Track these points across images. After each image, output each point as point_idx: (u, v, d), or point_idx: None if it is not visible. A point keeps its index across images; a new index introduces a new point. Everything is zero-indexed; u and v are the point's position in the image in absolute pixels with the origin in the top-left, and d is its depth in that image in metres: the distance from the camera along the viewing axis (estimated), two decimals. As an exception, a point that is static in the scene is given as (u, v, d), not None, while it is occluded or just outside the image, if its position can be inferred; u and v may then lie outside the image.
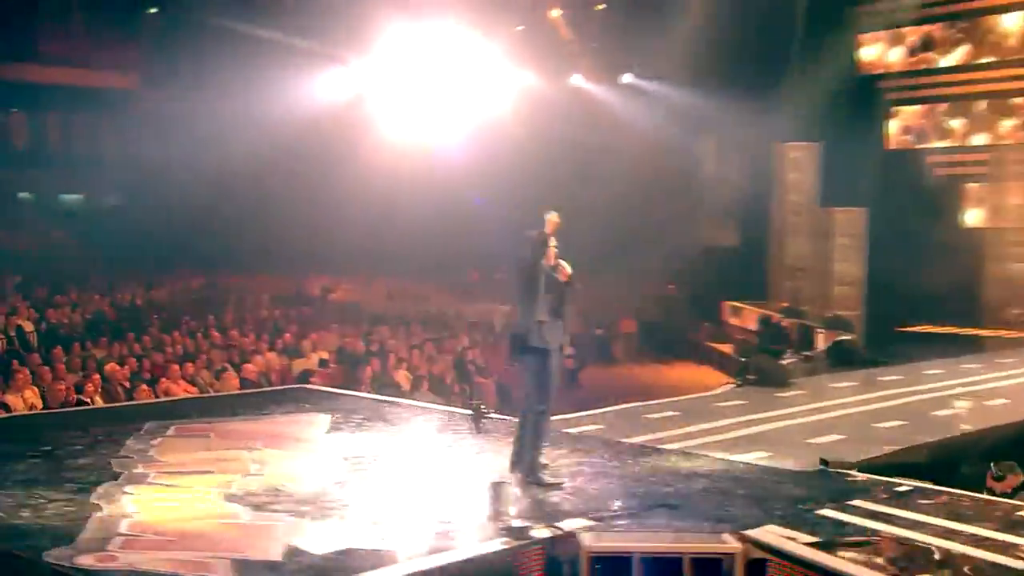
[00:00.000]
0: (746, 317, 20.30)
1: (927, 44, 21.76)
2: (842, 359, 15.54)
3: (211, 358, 13.71)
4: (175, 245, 23.49)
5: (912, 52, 22.08)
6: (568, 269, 6.21)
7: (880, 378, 14.02)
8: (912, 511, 6.57)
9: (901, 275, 19.35)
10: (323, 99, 22.16)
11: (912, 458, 9.15)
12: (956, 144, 21.51)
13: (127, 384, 12.39)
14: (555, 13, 23.91)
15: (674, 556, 5.18)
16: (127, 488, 6.41)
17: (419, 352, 15.33)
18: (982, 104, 21.07)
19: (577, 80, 24.60)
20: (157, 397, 12.30)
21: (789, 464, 8.10)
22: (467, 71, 21.84)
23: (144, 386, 12.36)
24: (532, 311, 6.28)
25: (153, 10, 24.50)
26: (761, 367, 13.08)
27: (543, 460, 6.61)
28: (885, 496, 7.00)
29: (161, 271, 22.49)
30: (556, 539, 5.37)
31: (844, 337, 16.38)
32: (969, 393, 12.52)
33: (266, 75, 21.68)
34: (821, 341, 16.41)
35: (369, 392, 12.25)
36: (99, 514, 5.67)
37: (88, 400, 11.56)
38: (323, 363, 14.56)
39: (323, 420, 9.18)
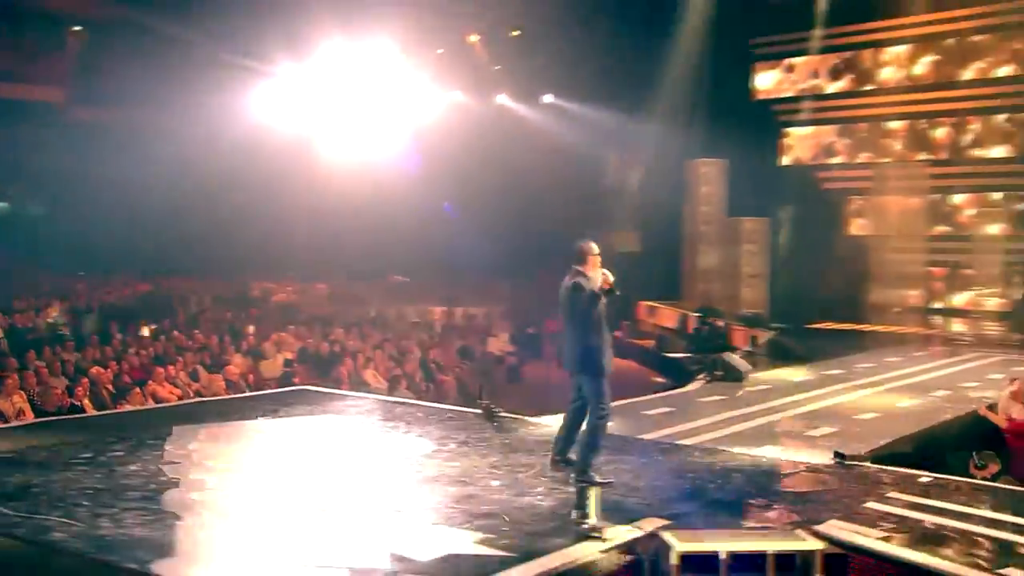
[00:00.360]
0: (664, 316, 21.67)
1: (815, 74, 23.77)
2: (779, 355, 16.54)
3: (186, 360, 13.75)
4: (111, 251, 23.51)
5: (802, 80, 24.08)
6: (611, 278, 6.55)
7: (824, 372, 14.65)
8: (949, 501, 6.74)
9: (799, 278, 21.27)
10: (255, 112, 22.36)
11: (903, 448, 9.40)
12: (843, 161, 23.49)
13: (111, 388, 12.22)
14: (473, 38, 25.28)
15: (758, 554, 5.21)
16: (193, 495, 6.25)
17: (381, 352, 15.72)
18: (864, 126, 23.11)
19: (503, 99, 25.72)
20: (146, 401, 12.03)
21: (803, 457, 8.30)
22: (397, 88, 22.63)
23: (137, 390, 12.23)
24: (587, 337, 6.64)
25: (77, 28, 24.29)
26: (727, 364, 13.76)
27: (598, 460, 6.78)
28: (914, 488, 7.19)
29: (99, 277, 22.47)
30: (641, 539, 5.45)
31: (777, 335, 17.81)
32: (912, 385, 13.38)
33: (196, 89, 21.78)
34: (757, 338, 17.64)
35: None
36: (182, 523, 5.58)
37: (78, 404, 11.35)
38: (288, 363, 14.84)
39: (348, 422, 9.24)
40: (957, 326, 20.03)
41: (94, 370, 12.51)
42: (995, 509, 6.53)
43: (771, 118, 24.49)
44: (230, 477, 6.92)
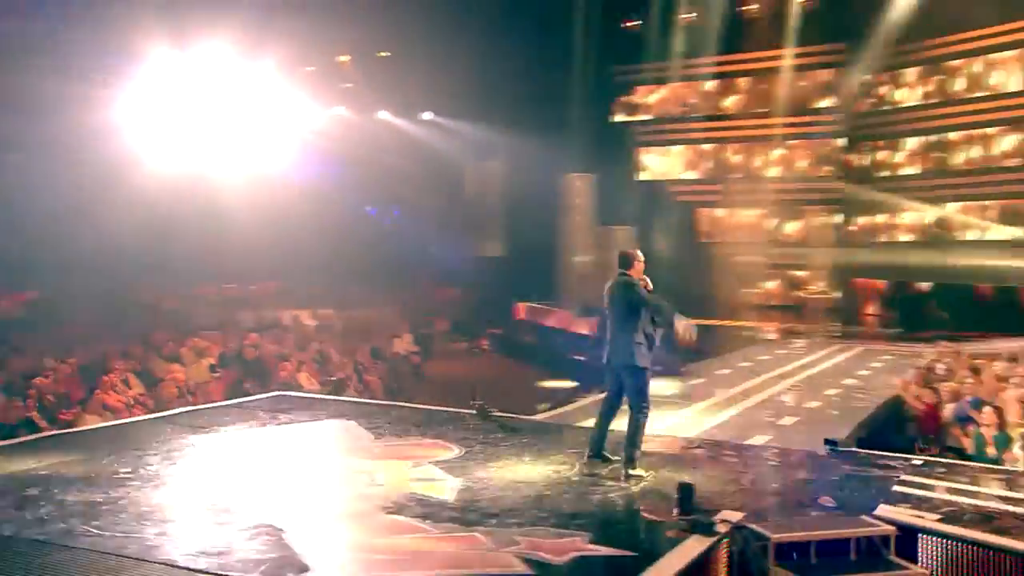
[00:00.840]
0: (558, 318, 23.08)
1: (667, 99, 26.73)
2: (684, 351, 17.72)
3: (119, 369, 13.50)
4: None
5: (656, 104, 27.02)
6: (650, 284, 6.90)
7: (739, 364, 15.75)
8: (958, 481, 6.86)
9: (657, 279, 23.59)
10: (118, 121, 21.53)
11: (859, 434, 9.88)
12: (691, 177, 26.58)
13: (52, 398, 12.10)
14: (343, 58, 26.38)
15: (843, 539, 5.35)
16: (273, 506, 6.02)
17: (307, 355, 16.05)
18: (710, 148, 26.19)
19: (384, 115, 26.90)
20: (98, 410, 11.66)
21: (795, 445, 8.70)
22: (277, 103, 23.02)
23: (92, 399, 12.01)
24: (637, 334, 6.87)
25: None
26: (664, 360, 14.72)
27: (639, 453, 6.85)
28: (918, 470, 7.30)
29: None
30: (736, 532, 5.41)
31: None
32: (818, 375, 14.58)
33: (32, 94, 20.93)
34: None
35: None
36: (287, 537, 5.33)
37: (30, 416, 11.09)
38: (213, 368, 14.88)
39: (356, 426, 8.72)
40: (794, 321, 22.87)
41: (38, 380, 12.33)
42: (1008, 487, 6.77)
43: (629, 138, 27.06)
44: (305, 483, 6.82)
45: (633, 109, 27.42)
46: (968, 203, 22.84)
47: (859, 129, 25.01)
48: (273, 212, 24.40)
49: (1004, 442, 8.35)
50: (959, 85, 22.38)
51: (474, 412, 9.15)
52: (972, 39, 21.47)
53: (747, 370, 15.14)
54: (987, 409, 8.71)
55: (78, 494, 6.11)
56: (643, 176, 27.14)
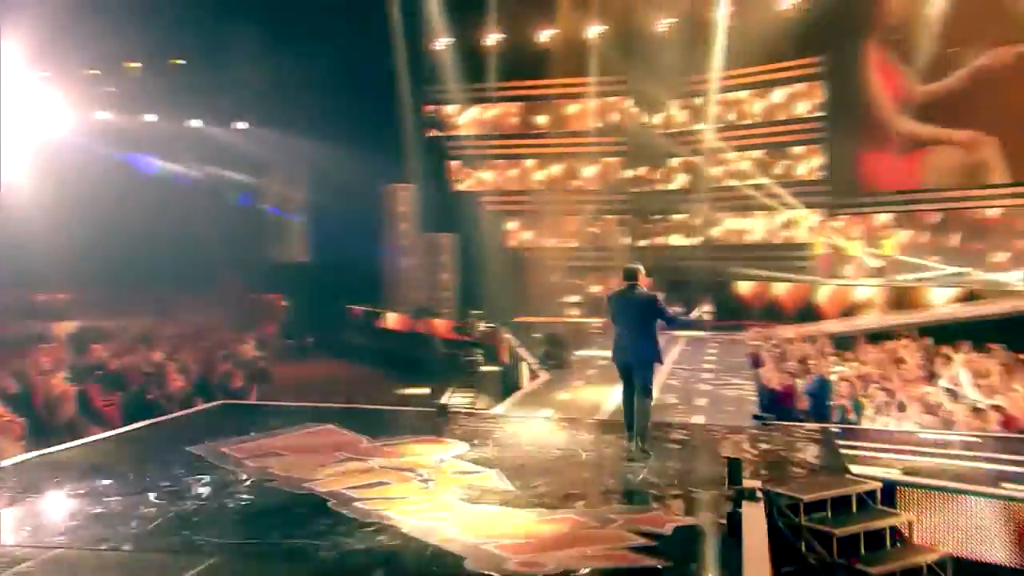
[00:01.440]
0: (400, 321, 24.16)
1: (471, 117, 28.58)
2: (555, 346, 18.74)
3: None
4: None
5: (460, 122, 28.74)
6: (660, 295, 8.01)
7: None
8: (889, 444, 8.17)
9: (474, 283, 24.95)
10: None
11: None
12: (498, 188, 28.54)
13: None
14: (133, 64, 25.91)
15: (846, 495, 5.98)
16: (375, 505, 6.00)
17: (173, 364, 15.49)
18: (517, 162, 28.52)
19: (196, 123, 26.68)
20: None
21: (727, 421, 9.94)
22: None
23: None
24: (652, 336, 7.74)
25: None
26: (556, 355, 16.34)
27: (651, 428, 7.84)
28: (843, 434, 8.59)
29: None
30: (770, 496, 5.86)
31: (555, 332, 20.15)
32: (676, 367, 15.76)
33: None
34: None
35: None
36: (407, 530, 5.41)
37: None
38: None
39: (343, 431, 8.53)
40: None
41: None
42: (915, 444, 8.20)
43: (444, 152, 28.62)
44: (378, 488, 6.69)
45: (444, 126, 28.99)
46: (727, 213, 26.79)
47: (639, 148, 28.19)
48: (67, 217, 23.24)
49: (858, 408, 10.13)
50: (711, 113, 26.08)
51: (435, 411, 9.71)
52: (728, 76, 25.13)
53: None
54: (844, 383, 10.50)
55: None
56: (459, 187, 28.75)
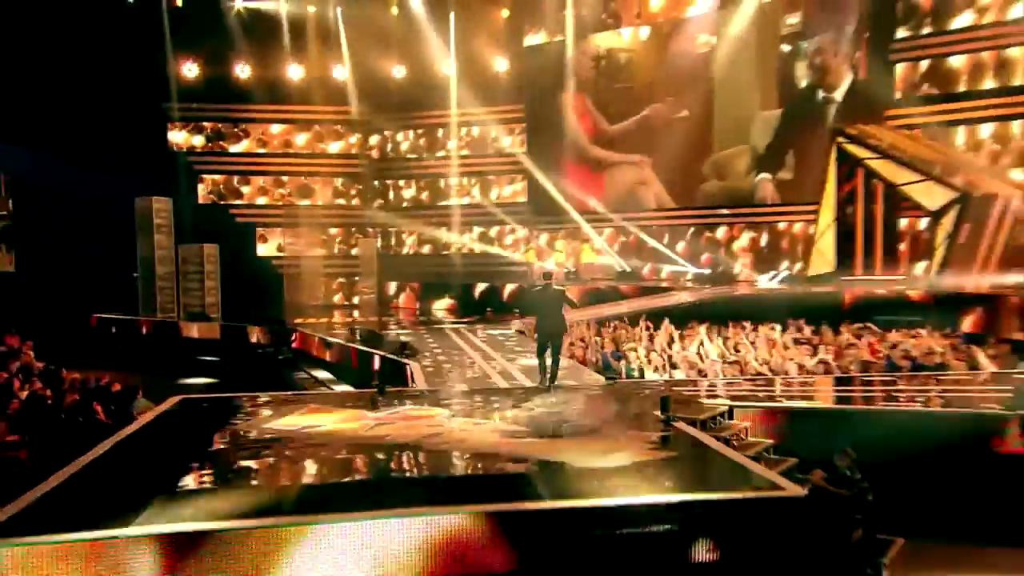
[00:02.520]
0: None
1: (219, 135, 29.85)
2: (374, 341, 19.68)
3: None
4: None
5: (208, 139, 29.89)
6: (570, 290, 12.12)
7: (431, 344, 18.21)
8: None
9: (237, 291, 26.40)
10: None
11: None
12: (247, 202, 30.08)
13: None
14: None
15: (714, 415, 9.42)
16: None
17: None
18: (261, 178, 30.29)
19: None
20: None
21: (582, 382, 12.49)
22: None
23: None
24: (562, 317, 11.18)
25: None
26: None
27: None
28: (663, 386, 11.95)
29: None
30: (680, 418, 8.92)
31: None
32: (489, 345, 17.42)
33: None
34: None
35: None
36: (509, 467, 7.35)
37: None
38: None
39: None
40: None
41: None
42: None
43: (188, 166, 29.54)
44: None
45: (186, 140, 30.06)
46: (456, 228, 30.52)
47: (381, 171, 31.60)
48: None
49: (631, 370, 13.89)
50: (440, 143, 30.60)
51: (376, 389, 11.02)
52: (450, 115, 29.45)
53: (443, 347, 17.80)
54: (632, 355, 14.25)
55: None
56: (207, 200, 29.86)
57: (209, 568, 5.41)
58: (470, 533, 5.71)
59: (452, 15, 28.77)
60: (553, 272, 11.84)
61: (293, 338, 21.79)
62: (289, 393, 13.03)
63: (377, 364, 15.43)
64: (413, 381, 13.13)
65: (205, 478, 6.93)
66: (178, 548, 5.34)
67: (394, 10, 29.37)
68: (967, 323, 17.25)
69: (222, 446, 8.32)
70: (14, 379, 14.35)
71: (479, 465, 7.49)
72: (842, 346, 15.54)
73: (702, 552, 6.21)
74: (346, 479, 7.29)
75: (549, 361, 11.13)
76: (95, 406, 11.99)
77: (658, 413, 9.20)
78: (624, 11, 27.39)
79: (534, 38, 29.19)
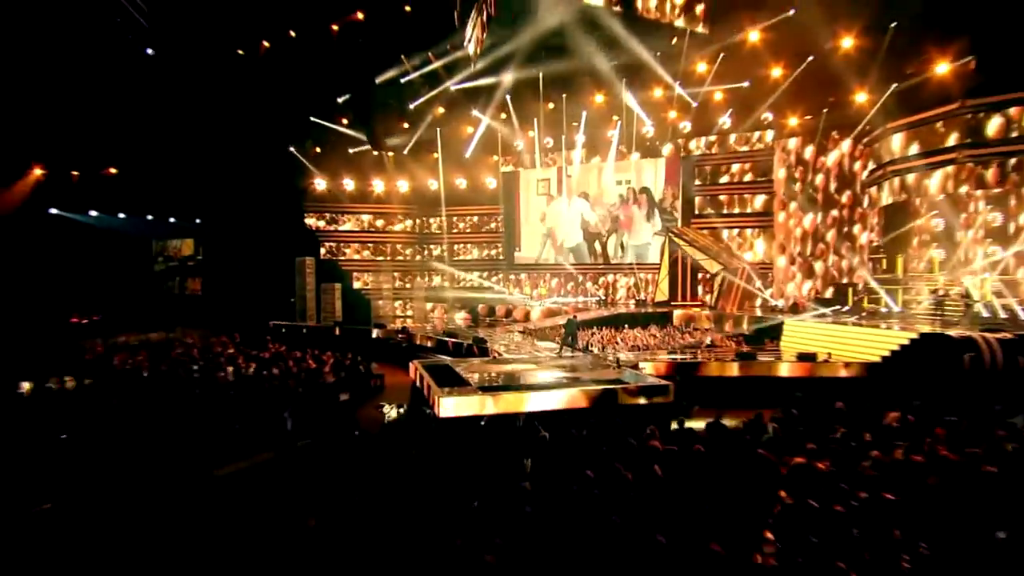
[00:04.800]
0: None
1: (333, 220, 36.66)
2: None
3: None
4: None
5: (327, 223, 36.40)
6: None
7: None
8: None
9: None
10: None
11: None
12: (347, 258, 36.76)
13: None
14: None
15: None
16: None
17: None
18: (356, 244, 37.99)
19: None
20: None
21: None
22: None
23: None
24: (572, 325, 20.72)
25: None
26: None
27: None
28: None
29: None
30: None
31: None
32: None
33: None
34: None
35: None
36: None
37: None
38: None
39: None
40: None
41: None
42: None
43: (316, 237, 35.45)
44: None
45: (315, 223, 36.13)
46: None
47: (422, 239, 37.50)
48: None
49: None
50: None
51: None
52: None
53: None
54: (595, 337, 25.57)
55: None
56: (325, 256, 35.62)
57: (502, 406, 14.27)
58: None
59: (439, 158, 35.17)
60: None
61: (402, 334, 25.84)
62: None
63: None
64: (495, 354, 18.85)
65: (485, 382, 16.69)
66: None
67: (436, 155, 35.66)
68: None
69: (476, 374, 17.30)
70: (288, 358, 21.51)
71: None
72: (671, 335, 24.96)
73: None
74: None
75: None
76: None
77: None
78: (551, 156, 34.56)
79: (505, 168, 36.05)
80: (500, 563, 4.89)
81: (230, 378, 17.19)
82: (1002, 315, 19.55)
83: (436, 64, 28.44)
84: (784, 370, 17.34)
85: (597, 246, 33.53)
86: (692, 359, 18.34)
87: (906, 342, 17.82)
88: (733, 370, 17.31)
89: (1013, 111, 19.33)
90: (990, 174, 19.94)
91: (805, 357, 18.15)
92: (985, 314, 19.60)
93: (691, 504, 6.23)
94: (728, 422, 11.32)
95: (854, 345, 19.22)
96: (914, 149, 22.30)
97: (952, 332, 17.50)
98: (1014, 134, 19.16)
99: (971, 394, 14.45)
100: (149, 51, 21.41)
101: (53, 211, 31.51)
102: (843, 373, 17.11)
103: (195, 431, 11.74)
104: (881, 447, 8.94)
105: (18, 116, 24.42)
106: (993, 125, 20.16)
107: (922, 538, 5.59)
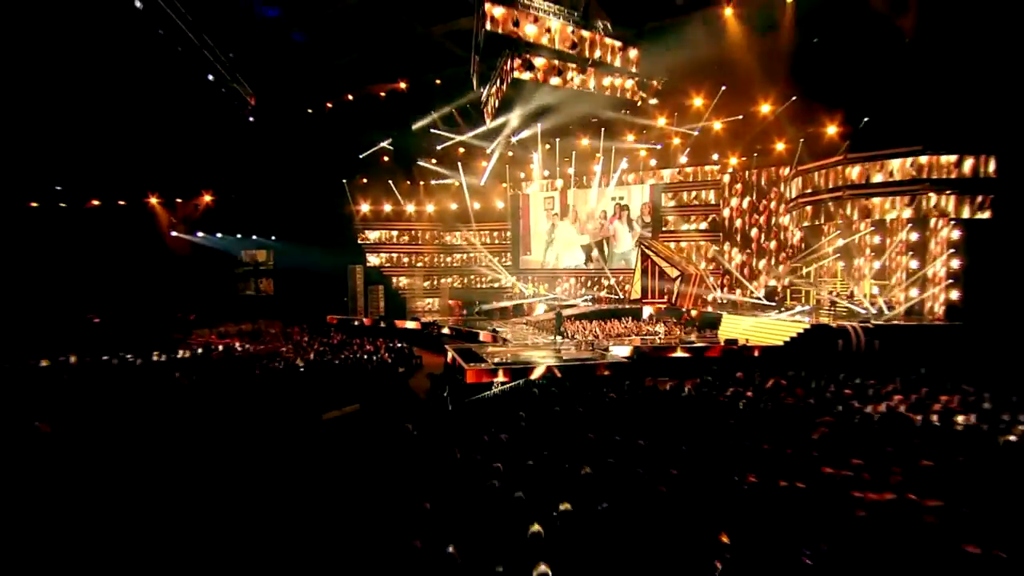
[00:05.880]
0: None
1: (378, 236, 42.12)
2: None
3: None
4: None
5: (373, 239, 41.74)
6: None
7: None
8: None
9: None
10: None
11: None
12: (389, 265, 42.40)
13: None
14: None
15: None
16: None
17: None
18: (396, 254, 42.77)
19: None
20: None
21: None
22: None
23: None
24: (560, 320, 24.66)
25: None
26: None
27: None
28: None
29: None
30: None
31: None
32: None
33: None
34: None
35: None
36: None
37: None
38: None
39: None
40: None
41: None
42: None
43: (364, 249, 39.59)
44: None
45: (365, 238, 40.21)
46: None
47: (446, 249, 43.54)
48: None
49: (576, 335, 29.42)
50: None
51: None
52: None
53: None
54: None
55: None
56: (371, 264, 38.58)
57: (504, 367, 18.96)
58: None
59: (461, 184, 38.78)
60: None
61: (432, 326, 29.25)
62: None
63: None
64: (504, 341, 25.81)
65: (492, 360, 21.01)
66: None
67: (456, 183, 38.43)
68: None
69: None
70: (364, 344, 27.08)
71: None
72: (642, 328, 29.91)
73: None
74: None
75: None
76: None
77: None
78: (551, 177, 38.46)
79: (511, 191, 39.35)
80: (507, 470, 8.38)
81: (312, 356, 21.49)
82: (873, 311, 23.69)
83: (458, 122, 32.62)
84: (713, 351, 21.55)
85: (594, 254, 36.39)
86: (648, 345, 22.56)
87: (801, 331, 21.99)
88: (676, 352, 21.53)
89: (881, 162, 23.49)
90: (877, 204, 24.03)
91: (730, 342, 22.35)
92: (859, 310, 23.78)
93: (625, 420, 10.54)
94: (663, 386, 15.52)
95: (769, 334, 23.39)
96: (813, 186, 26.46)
97: (833, 323, 21.68)
98: (882, 179, 23.32)
99: (838, 366, 18.43)
100: (251, 119, 25.79)
101: (173, 234, 36.01)
102: (756, 353, 21.28)
103: (305, 391, 15.80)
104: (755, 399, 13.21)
105: (149, 160, 28.94)
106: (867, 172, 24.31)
107: (764, 438, 9.61)
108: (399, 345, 25.16)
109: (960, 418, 10.52)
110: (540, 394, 14.33)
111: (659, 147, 33.21)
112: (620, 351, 20.45)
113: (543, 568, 4.79)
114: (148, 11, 18.61)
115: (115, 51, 20.84)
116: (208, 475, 7.17)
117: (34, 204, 34.46)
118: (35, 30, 19.58)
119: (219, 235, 38.08)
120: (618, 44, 20.97)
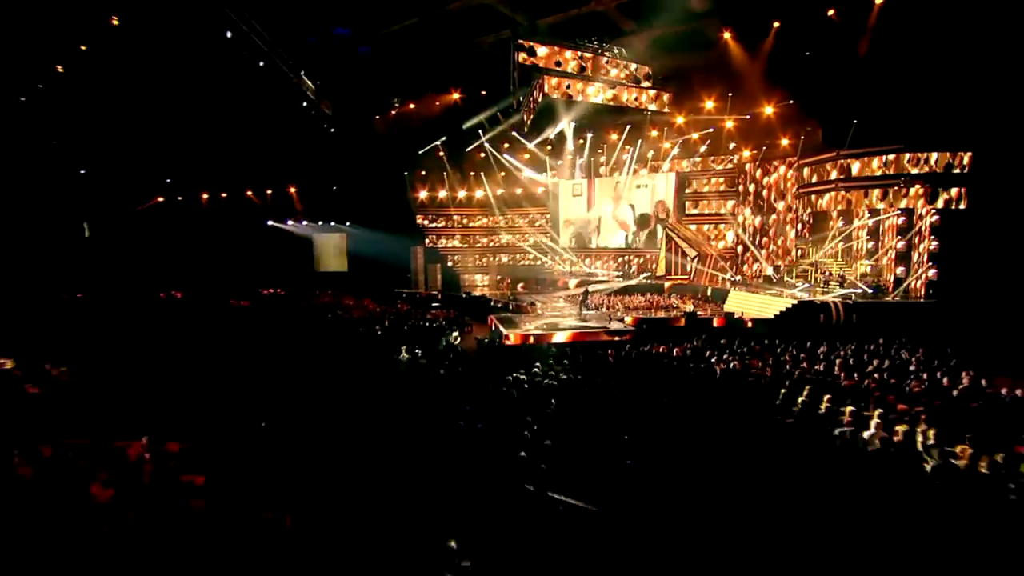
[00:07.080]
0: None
1: (433, 221, 45.28)
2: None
3: None
4: None
5: (429, 223, 44.92)
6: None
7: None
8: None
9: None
10: None
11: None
12: (446, 246, 46.68)
13: None
14: None
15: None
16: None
17: None
18: (450, 236, 46.34)
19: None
20: None
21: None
22: None
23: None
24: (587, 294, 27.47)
25: None
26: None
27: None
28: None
29: None
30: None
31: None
32: None
33: None
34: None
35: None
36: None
37: None
38: None
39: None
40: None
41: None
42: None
43: (423, 232, 42.97)
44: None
45: (423, 222, 43.80)
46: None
47: (497, 231, 47.17)
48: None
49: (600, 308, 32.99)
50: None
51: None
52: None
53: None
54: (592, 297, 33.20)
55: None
56: (429, 245, 41.54)
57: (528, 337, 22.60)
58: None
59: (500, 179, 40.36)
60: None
61: (481, 299, 30.73)
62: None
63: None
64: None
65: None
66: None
67: (502, 173, 41.41)
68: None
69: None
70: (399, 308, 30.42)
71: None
72: (665, 301, 32.49)
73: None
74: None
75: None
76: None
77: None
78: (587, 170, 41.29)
79: (549, 179, 41.79)
80: (519, 394, 12.66)
81: (387, 323, 25.97)
82: (857, 290, 26.36)
83: (502, 122, 36.33)
84: (714, 322, 24.87)
85: (628, 235, 37.30)
86: (657, 316, 25.99)
87: (789, 306, 25.04)
88: (679, 323, 25.00)
89: (865, 159, 26.02)
90: (875, 196, 26.60)
91: (728, 315, 25.58)
92: (841, 288, 26.51)
93: (624, 370, 14.34)
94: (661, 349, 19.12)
95: (763, 307, 26.48)
96: (815, 178, 29.10)
97: (817, 299, 24.58)
98: (868, 173, 25.89)
99: (819, 337, 21.14)
100: (332, 130, 30.36)
101: (270, 223, 41.08)
102: (748, 325, 24.48)
103: (383, 344, 20.08)
104: (734, 360, 16.66)
105: (248, 163, 34.07)
106: (855, 167, 26.85)
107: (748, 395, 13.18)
108: (454, 315, 27.98)
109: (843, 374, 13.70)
110: (557, 351, 18.28)
111: (680, 141, 35.92)
112: (627, 319, 23.74)
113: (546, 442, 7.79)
114: (239, 41, 21.96)
115: (220, 78, 25.34)
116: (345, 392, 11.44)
117: (160, 199, 40.27)
118: (160, 65, 24.39)
119: (304, 223, 42.62)
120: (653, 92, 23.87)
